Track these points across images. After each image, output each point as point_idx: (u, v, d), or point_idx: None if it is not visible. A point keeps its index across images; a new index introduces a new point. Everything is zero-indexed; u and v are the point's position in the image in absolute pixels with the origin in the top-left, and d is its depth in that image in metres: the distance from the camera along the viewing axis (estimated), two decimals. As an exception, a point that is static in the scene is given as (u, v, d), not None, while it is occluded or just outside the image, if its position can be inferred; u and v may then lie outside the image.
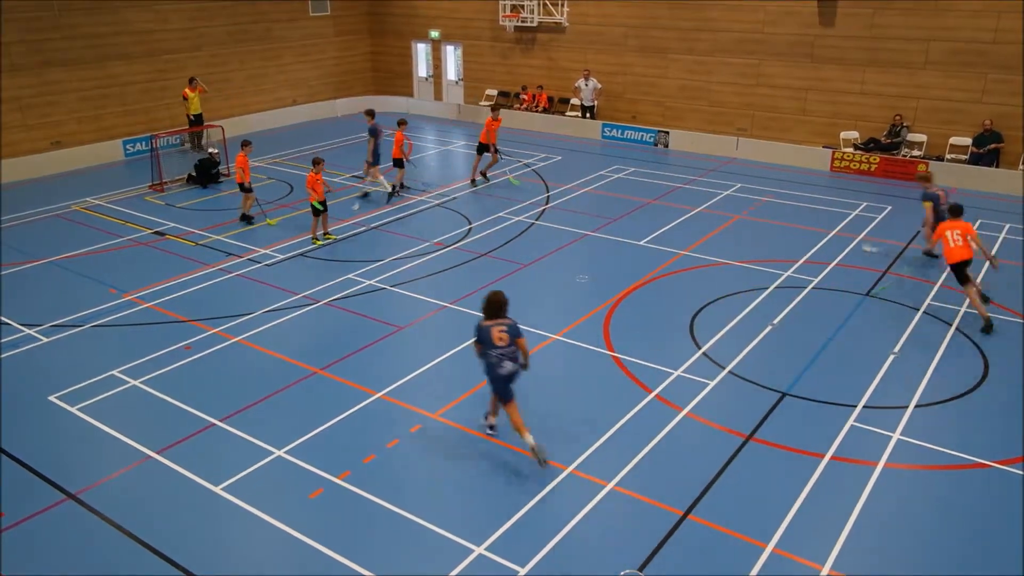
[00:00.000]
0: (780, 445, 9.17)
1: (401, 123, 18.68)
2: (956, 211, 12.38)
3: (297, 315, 12.63)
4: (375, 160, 18.42)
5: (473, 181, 19.65)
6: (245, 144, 16.87)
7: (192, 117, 22.65)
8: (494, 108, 19.59)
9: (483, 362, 8.85)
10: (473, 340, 8.92)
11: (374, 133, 18.33)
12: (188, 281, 13.88)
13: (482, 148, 19.36)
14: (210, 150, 20.45)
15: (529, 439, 8.66)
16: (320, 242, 15.60)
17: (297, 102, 27.53)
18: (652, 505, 8.19)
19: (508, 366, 8.76)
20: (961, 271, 12.01)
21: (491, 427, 9.51)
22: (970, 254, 11.95)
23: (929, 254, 14.60)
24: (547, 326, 12.07)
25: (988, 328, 11.83)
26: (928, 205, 13.85)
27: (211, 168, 19.85)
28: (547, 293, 13.50)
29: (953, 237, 12.05)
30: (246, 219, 16.85)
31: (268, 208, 17.56)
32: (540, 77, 26.18)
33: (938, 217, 13.53)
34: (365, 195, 18.62)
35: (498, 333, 8.68)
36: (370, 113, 18.77)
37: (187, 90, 22.37)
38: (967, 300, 12.59)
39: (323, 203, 15.46)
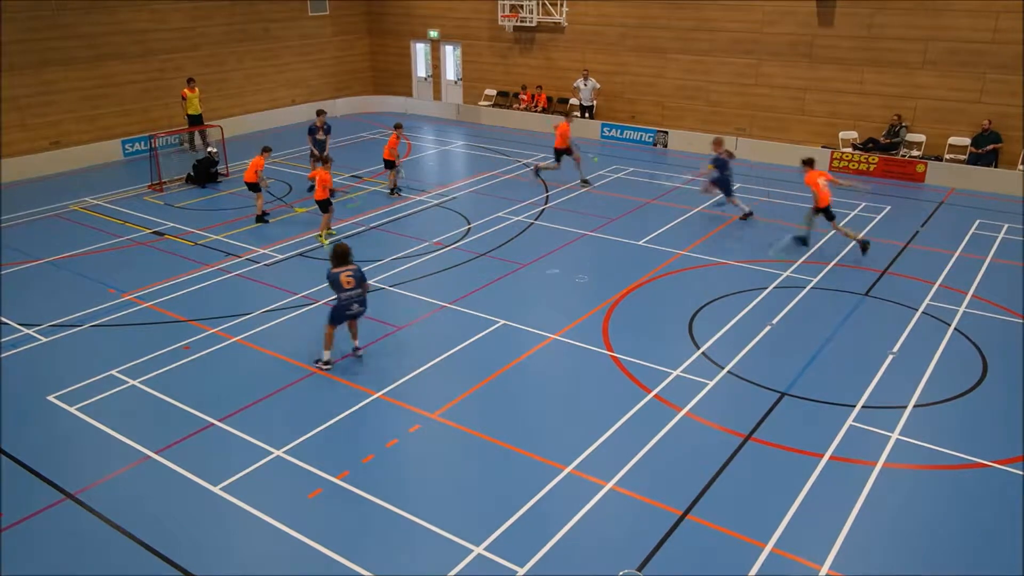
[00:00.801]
0: (779, 445, 9.18)
1: (397, 127, 18.71)
2: (810, 162, 15.08)
3: (296, 315, 12.62)
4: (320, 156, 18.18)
5: (584, 182, 19.54)
6: (266, 150, 17.03)
7: (190, 117, 22.63)
8: (567, 114, 20.41)
9: (335, 304, 10.58)
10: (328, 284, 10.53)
11: (311, 131, 19.08)
12: (187, 281, 13.87)
13: (560, 153, 19.23)
14: (209, 149, 20.43)
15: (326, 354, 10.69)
16: (325, 241, 15.62)
17: (296, 102, 27.51)
18: (651, 505, 8.20)
19: (356, 308, 10.66)
20: (828, 211, 14.65)
21: (327, 363, 10.79)
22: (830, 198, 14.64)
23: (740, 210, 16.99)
24: (546, 326, 12.08)
25: (865, 248, 14.58)
26: (710, 167, 16.65)
27: (210, 167, 19.84)
28: (546, 293, 13.50)
29: (823, 184, 14.54)
30: (262, 218, 16.88)
31: (268, 208, 17.54)
32: (539, 77, 26.19)
33: (723, 181, 16.62)
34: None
35: (345, 278, 10.46)
36: (320, 113, 19.33)
37: (186, 90, 22.35)
38: (965, 299, 12.68)
39: (324, 201, 15.60)
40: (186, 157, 21.87)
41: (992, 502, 8.26)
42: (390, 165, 18.65)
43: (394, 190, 18.82)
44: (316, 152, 18.95)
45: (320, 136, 19.11)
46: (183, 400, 10.21)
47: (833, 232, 15.27)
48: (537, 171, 19.84)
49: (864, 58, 20.33)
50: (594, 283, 13.78)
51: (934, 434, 9.40)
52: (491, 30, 26.77)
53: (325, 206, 15.60)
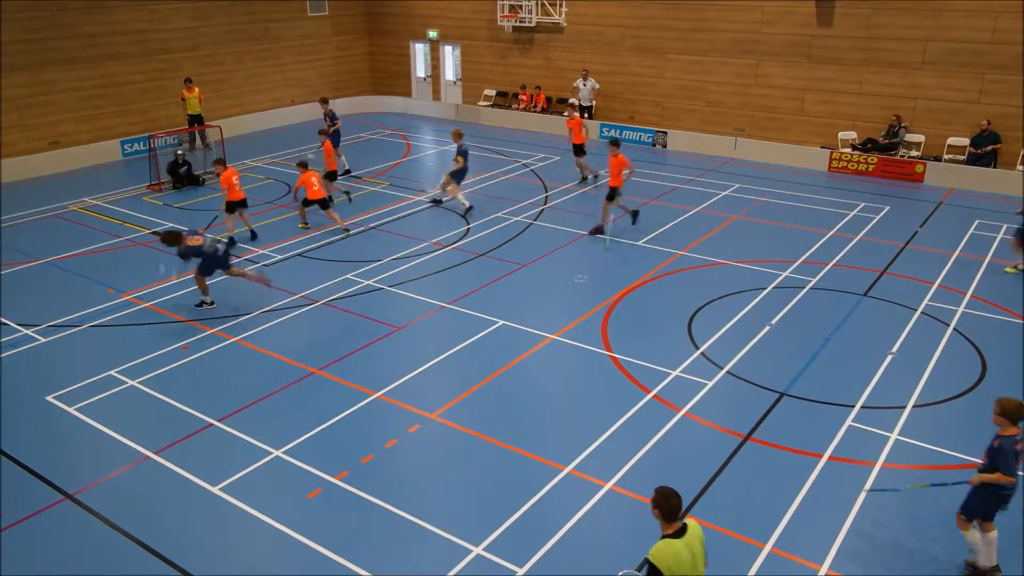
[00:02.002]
0: (778, 445, 9.18)
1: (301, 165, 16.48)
2: (616, 143, 15.70)
3: (295, 315, 12.62)
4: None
5: (584, 179, 19.90)
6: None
7: (190, 117, 22.62)
8: (572, 108, 21.06)
9: (201, 257, 12.33)
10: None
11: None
12: (186, 282, 13.83)
13: (579, 149, 19.59)
14: (177, 151, 20.01)
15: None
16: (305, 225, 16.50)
17: (295, 102, 27.51)
18: (650, 505, 8.18)
19: (220, 247, 12.46)
20: (614, 193, 15.51)
21: (211, 303, 12.75)
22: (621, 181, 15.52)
23: (437, 201, 17.97)
24: (545, 326, 12.08)
25: (635, 216, 16.30)
26: (460, 159, 17.20)
27: (178, 168, 19.53)
28: (545, 293, 13.50)
29: (616, 172, 15.40)
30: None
31: (265, 209, 17.54)
32: (538, 77, 26.19)
33: (461, 172, 17.31)
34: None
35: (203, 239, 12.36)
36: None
37: (184, 91, 22.35)
38: (964, 299, 12.74)
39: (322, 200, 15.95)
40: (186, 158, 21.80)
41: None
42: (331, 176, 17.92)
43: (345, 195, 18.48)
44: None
45: (325, 126, 19.43)
46: (182, 400, 10.21)
47: (829, 234, 15.28)
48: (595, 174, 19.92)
49: (863, 58, 20.34)
50: (593, 283, 13.79)
51: (933, 434, 9.41)
52: (490, 30, 26.77)
53: (324, 204, 15.99)
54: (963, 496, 7.26)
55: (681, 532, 5.37)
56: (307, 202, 16.07)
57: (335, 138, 19.73)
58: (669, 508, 5.34)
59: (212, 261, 12.49)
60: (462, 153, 17.30)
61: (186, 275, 13.08)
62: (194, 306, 12.83)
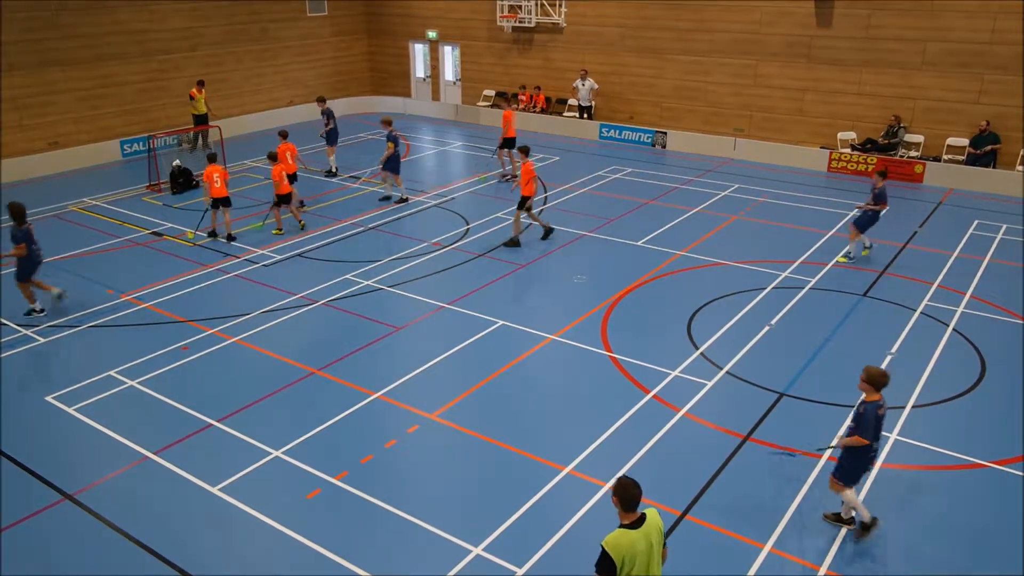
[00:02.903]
0: (778, 445, 9.18)
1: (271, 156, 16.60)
2: (525, 150, 15.81)
3: (294, 315, 12.62)
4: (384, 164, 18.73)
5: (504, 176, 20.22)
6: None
7: (196, 117, 22.59)
8: (509, 100, 21.16)
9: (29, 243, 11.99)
10: None
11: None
12: (185, 281, 13.86)
13: (508, 142, 19.87)
14: (175, 162, 19.64)
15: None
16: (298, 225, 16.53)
17: (294, 102, 27.51)
18: (650, 505, 8.18)
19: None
20: (525, 201, 15.11)
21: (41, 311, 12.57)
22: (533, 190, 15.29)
23: (387, 198, 18.22)
24: (544, 326, 12.08)
25: (547, 232, 15.61)
26: (391, 144, 17.49)
27: (177, 180, 19.32)
28: (545, 293, 13.50)
29: (526, 180, 15.10)
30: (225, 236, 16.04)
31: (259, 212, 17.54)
32: (537, 77, 26.19)
33: (393, 161, 17.58)
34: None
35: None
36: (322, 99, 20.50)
37: (194, 90, 22.33)
38: (963, 299, 12.76)
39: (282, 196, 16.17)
40: (186, 157, 21.79)
41: (991, 502, 8.27)
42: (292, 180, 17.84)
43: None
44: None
45: (327, 125, 19.87)
46: (182, 400, 10.20)
47: (828, 234, 15.27)
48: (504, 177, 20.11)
49: (862, 59, 20.35)
50: (593, 283, 13.79)
51: (933, 434, 9.41)
52: (490, 31, 26.77)
53: (288, 198, 16.24)
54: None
55: (639, 522, 5.44)
56: (280, 198, 16.02)
57: (332, 137, 20.07)
58: (627, 497, 5.42)
59: (34, 258, 12.34)
60: (392, 139, 17.61)
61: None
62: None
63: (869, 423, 7.31)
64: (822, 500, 8.23)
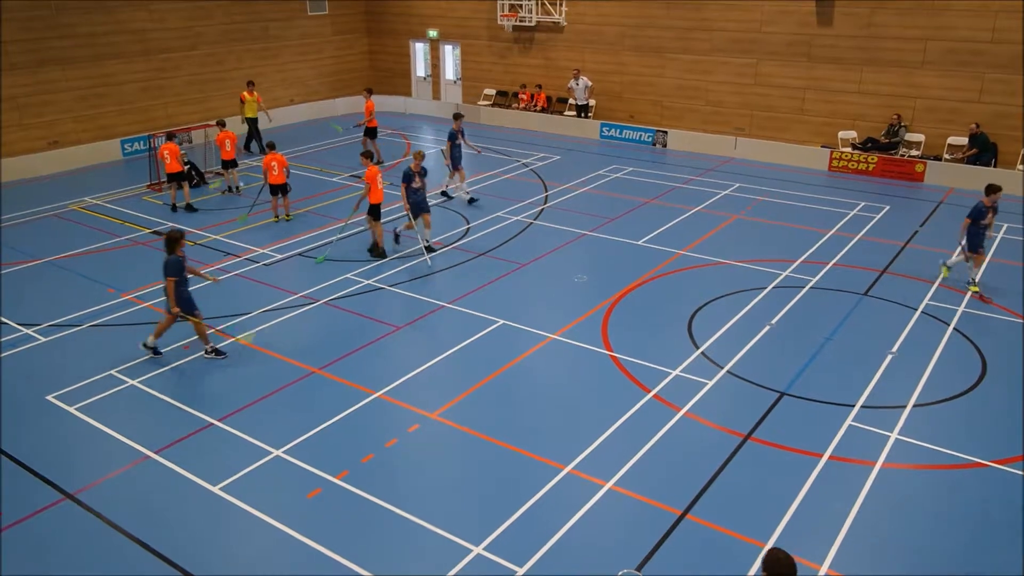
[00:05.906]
0: (778, 445, 9.18)
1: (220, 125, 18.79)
2: (369, 155, 15.34)
3: (295, 315, 12.62)
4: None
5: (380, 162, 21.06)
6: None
7: (249, 120, 22.52)
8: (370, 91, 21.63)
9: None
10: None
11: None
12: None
13: (372, 132, 21.20)
14: (186, 161, 19.36)
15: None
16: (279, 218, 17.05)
17: (295, 101, 27.52)
18: (650, 505, 8.20)
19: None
20: (375, 210, 14.71)
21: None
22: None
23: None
24: (545, 326, 12.08)
25: (395, 238, 15.33)
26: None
27: (191, 180, 19.28)
28: (545, 293, 13.50)
29: (380, 181, 14.75)
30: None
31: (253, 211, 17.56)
32: (538, 76, 26.19)
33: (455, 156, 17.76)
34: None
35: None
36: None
37: (244, 93, 22.28)
38: (964, 299, 12.77)
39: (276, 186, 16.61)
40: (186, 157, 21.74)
41: (992, 502, 8.27)
42: (231, 165, 18.95)
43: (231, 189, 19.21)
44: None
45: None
46: (182, 400, 10.21)
47: (829, 233, 15.26)
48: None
49: (863, 58, 20.34)
50: (593, 283, 13.78)
51: (933, 434, 9.41)
52: (490, 30, 26.77)
53: (285, 189, 16.69)
54: None
55: None
56: (272, 189, 16.46)
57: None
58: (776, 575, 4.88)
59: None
60: (449, 136, 18.03)
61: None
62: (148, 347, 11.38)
63: None
64: (822, 500, 8.24)
